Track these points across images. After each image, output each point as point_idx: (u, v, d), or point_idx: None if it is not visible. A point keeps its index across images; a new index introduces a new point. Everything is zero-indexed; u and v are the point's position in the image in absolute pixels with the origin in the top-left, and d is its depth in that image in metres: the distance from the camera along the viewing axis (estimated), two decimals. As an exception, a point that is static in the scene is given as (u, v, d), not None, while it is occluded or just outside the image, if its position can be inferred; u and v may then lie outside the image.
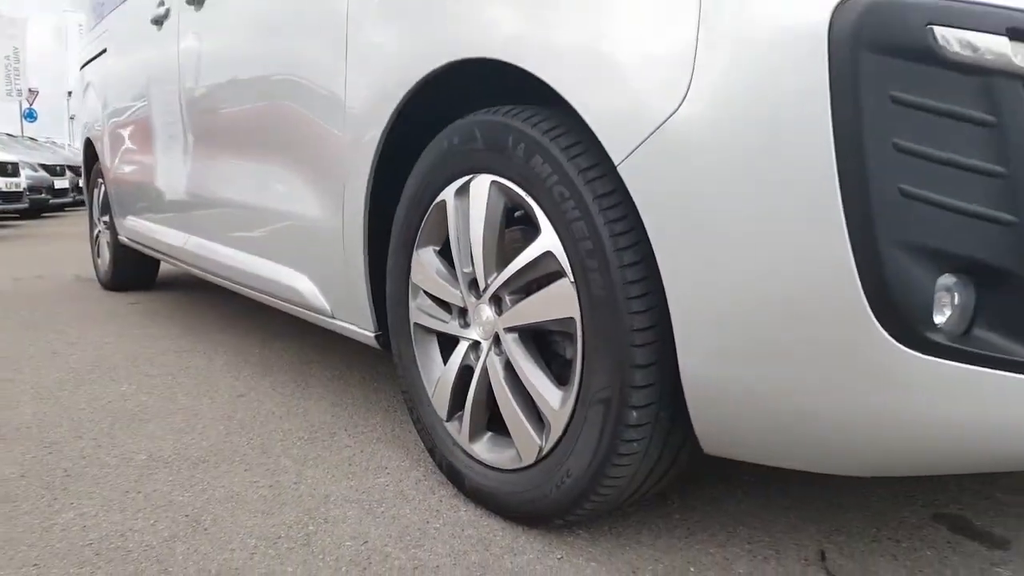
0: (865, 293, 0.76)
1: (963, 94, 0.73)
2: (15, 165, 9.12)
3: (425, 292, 1.35)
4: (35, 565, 1.10)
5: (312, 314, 1.75)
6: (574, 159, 1.01)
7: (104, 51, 3.34)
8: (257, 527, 1.21)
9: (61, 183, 11.36)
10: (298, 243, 1.72)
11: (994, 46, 0.72)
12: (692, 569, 1.08)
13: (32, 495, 1.34)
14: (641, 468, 1.03)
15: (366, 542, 1.16)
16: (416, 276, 1.36)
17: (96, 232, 3.94)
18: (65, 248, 6.04)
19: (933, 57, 0.73)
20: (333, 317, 1.67)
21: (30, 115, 24.53)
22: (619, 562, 1.09)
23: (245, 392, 1.97)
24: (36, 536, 1.19)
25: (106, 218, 3.70)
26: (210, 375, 2.13)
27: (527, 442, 1.15)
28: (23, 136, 17.85)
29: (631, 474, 1.03)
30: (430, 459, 1.44)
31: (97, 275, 3.99)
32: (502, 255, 1.18)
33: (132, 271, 3.66)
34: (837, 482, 1.34)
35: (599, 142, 0.97)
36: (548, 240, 1.06)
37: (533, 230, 1.11)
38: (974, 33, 0.72)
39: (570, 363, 1.08)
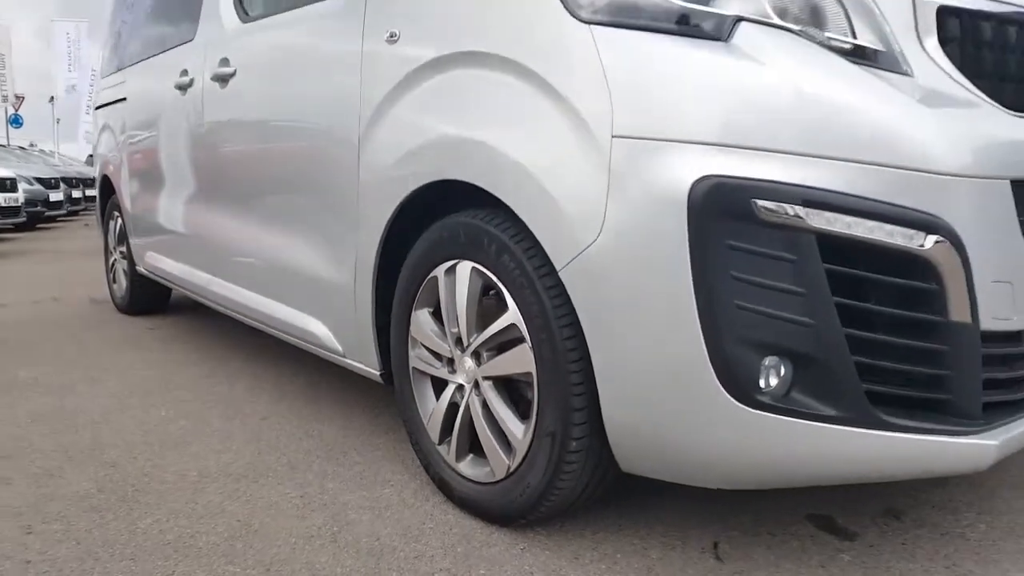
0: (714, 370, 1.15)
1: (776, 243, 1.13)
2: (13, 180, 9.39)
3: (422, 344, 1.74)
4: (131, 559, 1.48)
5: (326, 353, 2.13)
6: (531, 259, 1.40)
7: (123, 99, 3.70)
8: (295, 528, 1.59)
9: (56, 196, 11.62)
10: (316, 296, 2.10)
11: (792, 212, 1.12)
12: (619, 556, 1.47)
13: (113, 506, 1.71)
14: (579, 481, 1.42)
15: (379, 539, 1.54)
16: (414, 331, 1.74)
17: (112, 260, 4.29)
18: (71, 267, 6.35)
19: (755, 219, 1.12)
20: (344, 357, 2.05)
21: (15, 121, 24.66)
22: (566, 551, 1.49)
23: (267, 416, 2.34)
24: (126, 538, 1.56)
25: (123, 248, 4.04)
26: (234, 400, 2.50)
27: (499, 462, 1.54)
28: (10, 144, 18.05)
29: (572, 485, 1.42)
30: (425, 474, 1.82)
31: (113, 299, 4.33)
32: (480, 319, 1.57)
33: (148, 297, 4.02)
34: (731, 492, 1.73)
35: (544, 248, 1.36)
36: (512, 315, 1.45)
37: (502, 302, 1.49)
38: (780, 203, 1.12)
39: (530, 403, 1.47)
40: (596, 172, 1.24)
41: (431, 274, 1.67)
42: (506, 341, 1.51)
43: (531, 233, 1.40)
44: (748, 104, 1.15)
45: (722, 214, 1.13)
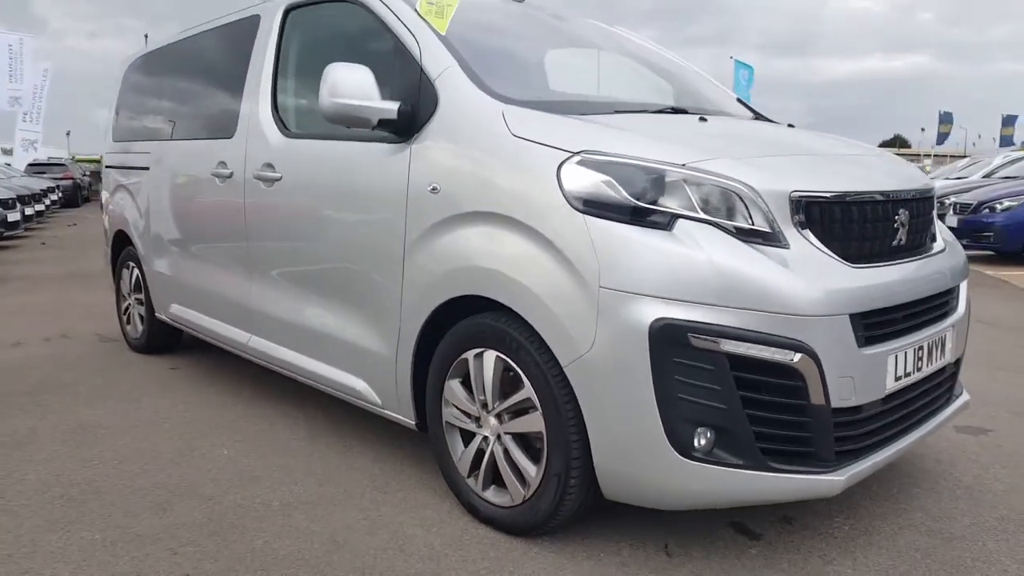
0: (666, 435, 1.84)
1: (702, 359, 1.82)
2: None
3: (453, 405, 2.38)
4: (263, 570, 2.08)
5: (365, 404, 2.76)
6: (541, 355, 2.06)
7: (147, 168, 4.21)
8: (370, 543, 2.22)
9: (13, 216, 11.73)
10: (360, 361, 2.71)
11: (712, 341, 1.81)
12: (602, 554, 2.15)
13: (227, 531, 2.31)
14: (576, 505, 2.09)
15: (433, 548, 2.18)
16: (447, 395, 2.39)
17: (126, 305, 4.77)
18: (62, 298, 6.70)
19: (690, 345, 1.81)
20: (382, 408, 2.68)
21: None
22: (565, 552, 2.15)
23: (311, 453, 2.95)
24: (251, 555, 2.16)
25: (139, 296, 4.55)
26: (278, 439, 3.09)
27: (516, 492, 2.20)
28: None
29: (571, 508, 2.10)
30: (454, 499, 2.46)
31: (126, 338, 4.81)
32: (501, 390, 2.22)
33: (163, 339, 4.54)
34: (708, 513, 2.43)
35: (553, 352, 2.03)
36: (527, 391, 2.12)
37: (518, 380, 2.15)
38: (704, 336, 1.81)
39: (539, 449, 2.13)
40: (589, 308, 1.92)
41: (462, 356, 2.32)
42: (521, 408, 2.17)
43: (542, 338, 2.06)
44: (684, 273, 1.84)
45: (670, 342, 1.82)
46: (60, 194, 20.26)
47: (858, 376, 1.96)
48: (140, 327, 4.61)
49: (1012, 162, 12.92)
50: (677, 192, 1.92)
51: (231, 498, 2.54)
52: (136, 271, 4.56)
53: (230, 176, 3.34)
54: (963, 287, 2.54)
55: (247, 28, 3.42)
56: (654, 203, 1.92)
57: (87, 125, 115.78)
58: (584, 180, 1.98)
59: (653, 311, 1.84)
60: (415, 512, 2.42)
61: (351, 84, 2.39)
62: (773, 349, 1.83)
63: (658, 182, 1.93)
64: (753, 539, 2.25)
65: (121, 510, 2.45)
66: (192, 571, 2.07)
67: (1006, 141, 52.25)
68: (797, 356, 1.84)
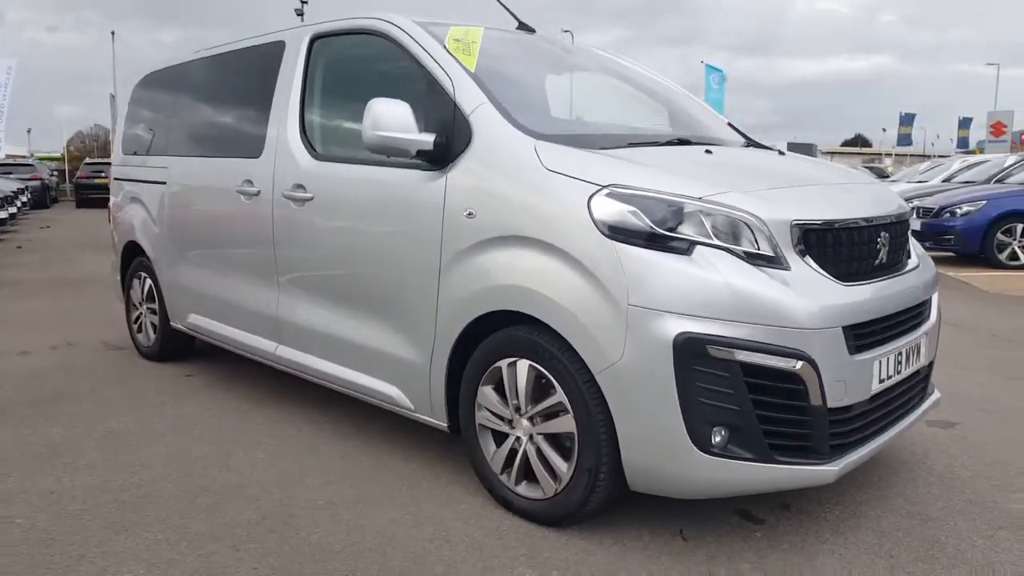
0: (688, 434, 2.11)
1: (719, 367, 2.09)
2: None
3: (486, 408, 2.63)
4: (321, 561, 2.31)
5: (397, 409, 2.99)
6: (572, 364, 2.32)
7: (163, 182, 4.37)
8: (418, 536, 2.45)
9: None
10: (393, 369, 2.94)
11: (727, 351, 2.09)
12: (626, 540, 2.41)
13: (282, 528, 2.52)
14: (604, 496, 2.36)
15: (475, 538, 2.43)
16: (480, 400, 2.64)
17: (137, 314, 4.92)
18: (58, 305, 6.78)
19: (708, 355, 2.09)
20: (415, 412, 2.92)
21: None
22: (594, 539, 2.42)
23: (344, 455, 3.17)
24: (309, 549, 2.39)
25: (152, 305, 4.71)
26: (307, 441, 3.31)
27: (548, 486, 2.45)
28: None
29: (600, 499, 2.36)
30: (486, 494, 2.71)
31: (137, 346, 4.96)
32: (533, 395, 2.48)
33: (176, 346, 4.71)
34: (721, 504, 2.71)
35: (584, 361, 2.28)
36: (560, 396, 2.37)
37: (548, 384, 2.41)
38: (721, 347, 2.09)
39: (569, 448, 2.39)
40: (619, 322, 2.18)
41: (495, 364, 2.57)
42: (552, 411, 2.43)
43: (574, 349, 2.32)
44: (703, 292, 2.11)
45: (692, 352, 2.10)
46: (29, 195, 20.00)
47: (849, 380, 2.25)
48: (152, 336, 4.77)
49: (969, 167, 13.50)
50: (694, 221, 2.20)
51: (276, 498, 2.76)
52: (149, 281, 4.72)
53: (257, 194, 3.54)
54: (934, 298, 2.85)
55: (271, 53, 3.62)
56: (674, 231, 2.19)
57: (50, 121, 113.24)
58: (612, 210, 2.24)
59: (677, 326, 2.11)
60: (452, 507, 2.66)
61: (392, 118, 2.62)
62: (779, 358, 2.11)
63: (678, 213, 2.20)
64: (757, 524, 2.54)
65: (176, 512, 2.65)
66: (258, 566, 2.29)
67: (962, 143, 53.69)
68: (799, 364, 2.13)
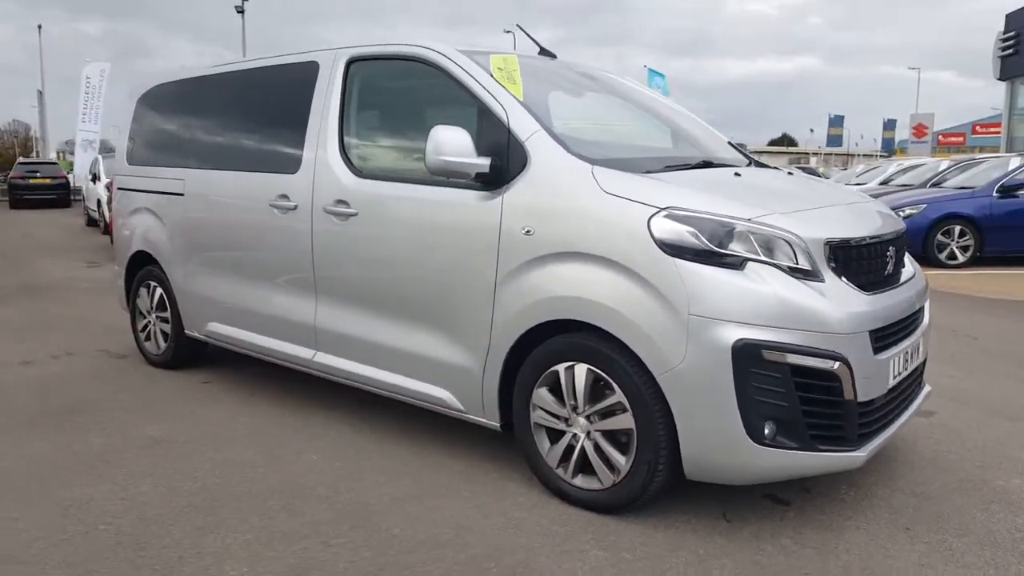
0: (744, 428, 2.41)
1: (771, 369, 2.39)
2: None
3: (542, 409, 2.88)
4: (411, 552, 2.52)
5: (447, 410, 3.21)
6: (632, 367, 2.60)
7: (180, 194, 4.46)
8: (489, 526, 2.69)
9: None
10: (444, 373, 3.16)
11: (778, 354, 2.39)
12: (677, 524, 2.70)
13: (363, 523, 2.72)
14: (660, 485, 2.64)
15: (543, 526, 2.68)
16: (536, 401, 2.89)
17: (146, 323, 4.97)
18: (38, 312, 6.70)
19: (761, 358, 2.39)
20: (465, 413, 3.15)
21: None
22: (648, 523, 2.69)
23: (390, 455, 3.37)
24: (398, 542, 2.59)
25: (163, 314, 4.78)
26: (349, 442, 3.49)
27: (606, 477, 2.72)
28: None
29: (656, 488, 2.64)
30: (539, 486, 2.96)
31: (145, 354, 5.01)
32: (591, 396, 2.74)
33: (188, 354, 4.80)
34: (717, 486, 3.01)
35: (644, 362, 2.56)
36: (619, 396, 2.64)
37: (606, 386, 2.67)
38: (772, 351, 2.39)
39: (625, 443, 2.66)
40: (680, 330, 2.46)
41: (552, 368, 2.82)
42: (610, 410, 2.70)
43: (632, 353, 2.59)
44: (756, 302, 2.41)
45: (748, 356, 2.39)
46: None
47: (873, 377, 2.59)
48: (163, 344, 4.84)
49: (905, 170, 14.35)
50: (744, 240, 2.50)
51: (345, 496, 2.95)
52: (159, 290, 4.79)
53: (294, 208, 3.70)
54: (927, 304, 3.23)
55: (304, 72, 3.77)
56: (726, 248, 2.48)
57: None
58: (671, 229, 2.52)
59: (735, 333, 2.40)
60: (511, 500, 2.91)
61: (454, 143, 2.85)
62: (820, 359, 2.43)
63: (730, 232, 2.50)
64: (786, 505, 2.86)
65: (254, 513, 2.82)
66: (354, 558, 2.49)
67: (887, 144, 56.07)
68: (836, 364, 2.45)
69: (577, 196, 2.73)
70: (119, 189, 5.13)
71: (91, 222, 17.33)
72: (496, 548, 2.55)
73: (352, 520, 2.75)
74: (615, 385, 2.65)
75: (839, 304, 2.50)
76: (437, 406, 3.25)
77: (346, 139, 3.58)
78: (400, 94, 3.61)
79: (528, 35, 3.94)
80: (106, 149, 20.23)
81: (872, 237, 2.80)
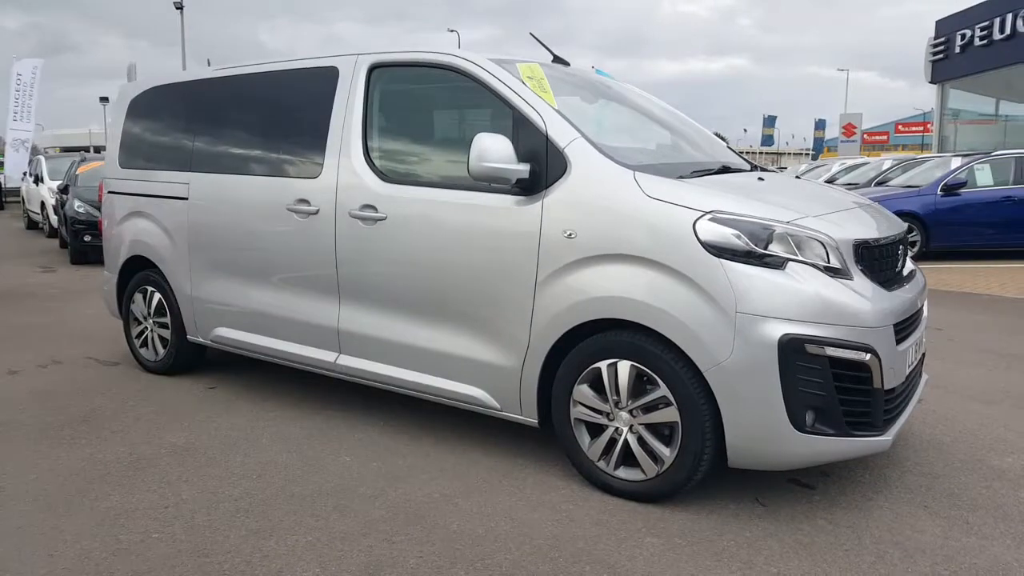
0: (788, 417, 2.59)
1: (812, 361, 2.58)
2: None
3: (582, 404, 3.01)
4: (477, 545, 2.62)
5: (481, 408, 3.30)
6: (676, 363, 2.74)
7: (184, 198, 4.42)
8: (541, 518, 2.80)
9: None
10: (479, 373, 3.25)
11: (819, 347, 2.58)
12: (717, 510, 2.86)
13: (420, 520, 2.79)
14: (703, 473, 2.80)
15: (592, 516, 2.80)
16: (576, 397, 3.01)
17: (142, 328, 4.90)
18: (3, 320, 6.48)
19: (804, 351, 2.57)
20: (501, 411, 3.25)
21: None
22: (690, 510, 2.85)
23: (425, 454, 3.44)
24: (458, 537, 2.68)
25: (162, 319, 4.72)
26: (380, 441, 3.55)
27: (650, 468, 2.87)
28: None
29: (700, 477, 2.80)
30: (580, 479, 3.08)
31: (141, 361, 4.93)
32: (633, 391, 2.88)
33: (189, 359, 4.77)
34: (744, 475, 3.19)
35: (689, 358, 2.71)
36: (663, 391, 2.79)
37: (649, 381, 2.82)
38: (814, 344, 2.58)
39: (668, 435, 2.81)
40: (727, 327, 2.62)
41: (594, 365, 2.95)
42: (653, 404, 2.84)
43: (678, 349, 2.74)
44: (798, 300, 2.59)
45: (792, 350, 2.57)
46: None
47: (895, 367, 2.81)
48: (161, 350, 4.79)
49: (849, 169, 15.00)
50: (783, 241, 2.67)
51: (392, 495, 3.02)
52: (158, 295, 4.73)
53: (316, 212, 3.73)
54: (926, 300, 3.49)
55: (322, 77, 3.80)
56: (768, 250, 2.66)
57: None
58: (716, 232, 2.68)
59: (780, 328, 2.57)
60: (554, 493, 3.02)
61: (497, 150, 2.95)
62: (855, 351, 2.63)
63: (771, 235, 2.67)
64: (811, 489, 3.06)
65: (307, 514, 2.86)
66: (422, 554, 2.57)
67: (818, 143, 58.07)
68: (868, 356, 2.65)
69: (621, 201, 2.86)
70: (110, 193, 5.02)
71: (32, 225, 16.69)
72: (555, 538, 2.66)
73: (406, 517, 2.83)
74: (659, 380, 2.80)
75: (868, 300, 2.70)
76: (470, 404, 3.34)
77: (370, 144, 3.63)
78: (427, 101, 3.68)
79: (540, 42, 4.05)
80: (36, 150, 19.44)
81: (887, 238, 3.02)
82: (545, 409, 3.15)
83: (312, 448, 3.53)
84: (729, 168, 3.45)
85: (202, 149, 4.41)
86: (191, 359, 4.78)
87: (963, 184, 10.33)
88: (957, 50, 19.81)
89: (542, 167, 3.04)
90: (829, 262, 2.71)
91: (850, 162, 16.33)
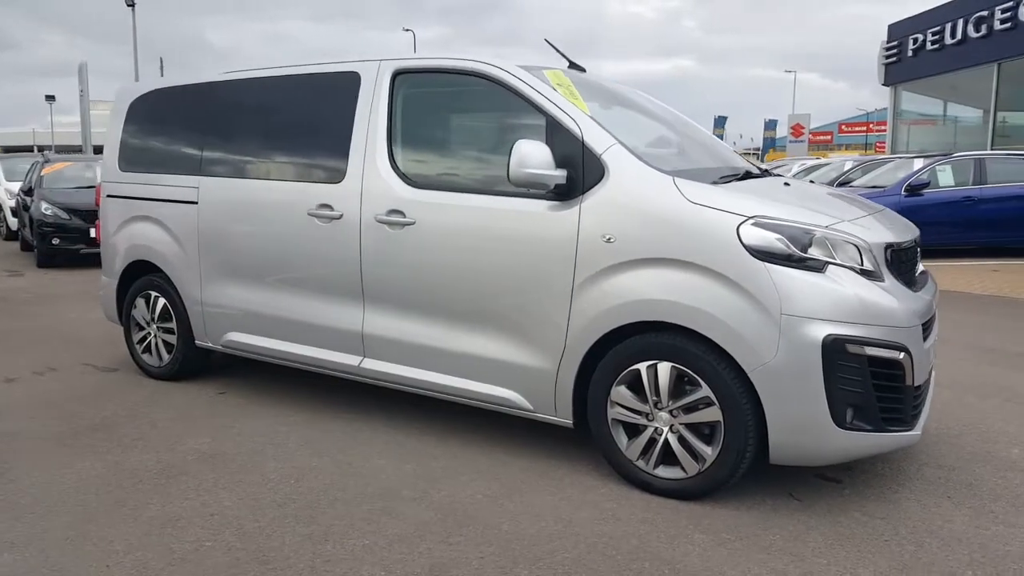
0: (830, 414, 2.71)
1: (853, 360, 2.70)
2: None
3: (620, 405, 3.08)
4: (532, 544, 2.67)
5: (513, 410, 3.36)
6: (718, 364, 2.84)
7: (193, 202, 4.37)
8: (588, 517, 2.86)
9: None
10: (512, 375, 3.30)
11: (860, 347, 2.70)
12: (756, 505, 2.97)
13: (469, 520, 2.83)
14: (744, 470, 2.90)
15: (638, 515, 2.88)
16: (614, 398, 3.08)
17: (144, 334, 4.82)
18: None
19: (846, 351, 2.69)
20: (534, 412, 3.31)
21: None
22: (729, 506, 2.95)
23: (455, 455, 3.47)
24: (511, 537, 2.73)
25: (167, 324, 4.66)
26: (412, 446, 3.57)
27: (691, 466, 2.96)
28: None
29: (741, 473, 2.90)
30: (615, 481, 3.16)
31: (143, 367, 4.84)
32: (674, 391, 2.97)
33: (196, 364, 4.71)
34: (798, 469, 3.30)
35: (732, 357, 2.81)
36: (705, 391, 2.88)
37: (690, 382, 2.91)
38: (855, 344, 2.70)
39: (708, 434, 2.91)
40: (772, 328, 2.73)
41: (633, 367, 3.03)
42: (694, 405, 2.93)
43: (720, 350, 2.83)
44: (839, 301, 2.71)
45: (835, 350, 2.69)
46: None
47: (923, 363, 2.95)
48: (166, 355, 4.72)
49: (809, 170, 15.40)
50: (822, 245, 2.79)
51: (436, 497, 3.05)
52: (162, 300, 4.66)
53: (339, 217, 3.73)
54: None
55: (344, 83, 3.80)
56: (809, 253, 2.77)
57: None
58: (760, 236, 2.78)
59: (824, 329, 2.69)
60: (594, 492, 3.09)
61: (536, 156, 3.01)
62: (890, 350, 2.76)
63: (811, 239, 2.78)
64: (837, 483, 3.19)
65: (356, 518, 2.88)
66: (482, 555, 2.61)
67: (768, 144, 59.42)
68: (902, 354, 2.78)
69: (663, 206, 2.95)
70: (109, 197, 4.92)
71: (-15, 227, 16.09)
72: (607, 536, 2.73)
73: (456, 519, 2.86)
74: (701, 381, 2.89)
75: (900, 301, 2.84)
76: (501, 406, 3.39)
77: (395, 150, 3.64)
78: (453, 107, 3.71)
79: (556, 48, 4.11)
80: None
81: (908, 241, 3.17)
82: (579, 410, 3.22)
83: (342, 452, 3.54)
84: (751, 174, 3.56)
85: (212, 153, 4.36)
86: (197, 364, 4.73)
87: (926, 184, 10.73)
88: (910, 53, 20.51)
89: (578, 172, 3.10)
90: (863, 265, 2.84)
91: (810, 163, 16.77)
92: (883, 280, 2.86)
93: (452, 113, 3.76)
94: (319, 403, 4.25)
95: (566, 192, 3.12)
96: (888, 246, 2.96)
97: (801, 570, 2.52)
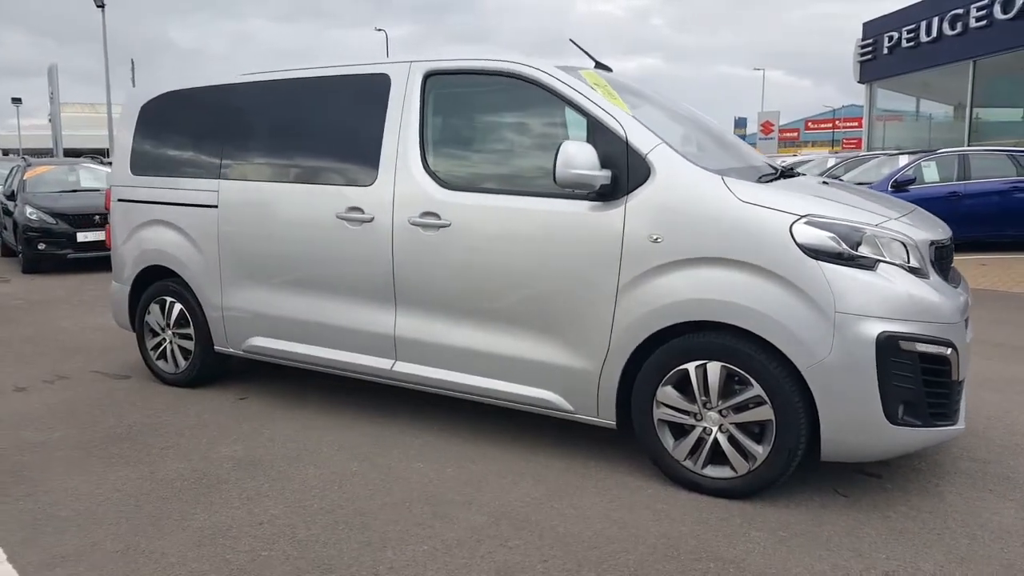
0: (883, 411, 2.74)
1: (906, 357, 2.74)
2: None
3: (666, 405, 3.09)
4: (594, 548, 2.67)
5: (552, 411, 3.35)
6: (770, 363, 2.86)
7: (213, 206, 4.30)
8: (640, 519, 2.87)
9: None
10: (552, 376, 3.30)
11: (912, 344, 2.74)
12: (803, 502, 3.00)
13: (526, 524, 2.83)
14: (793, 467, 2.93)
15: (692, 515, 2.90)
16: (660, 398, 3.09)
17: (159, 340, 4.73)
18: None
19: (900, 348, 2.72)
20: (575, 413, 3.31)
21: None
22: (779, 501, 2.97)
23: (494, 457, 3.46)
24: (569, 539, 2.73)
25: (183, 330, 4.58)
26: (447, 449, 3.55)
27: (740, 465, 2.98)
28: None
29: (791, 471, 2.93)
30: (660, 481, 3.17)
31: (158, 374, 4.75)
32: (723, 392, 2.98)
33: (214, 370, 4.65)
34: (838, 465, 3.33)
35: (784, 355, 2.83)
36: (757, 390, 2.90)
37: (740, 381, 2.93)
38: (908, 341, 2.73)
39: (758, 433, 2.93)
40: (826, 326, 2.75)
41: (681, 366, 3.04)
42: (744, 404, 2.95)
43: (772, 349, 2.85)
44: (891, 299, 2.74)
45: (889, 347, 2.72)
46: None
47: (965, 359, 3.00)
48: (183, 362, 4.64)
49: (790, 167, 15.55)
50: (871, 243, 2.82)
51: (484, 500, 3.04)
52: (179, 305, 4.58)
53: (371, 220, 3.69)
54: (961, 292, 3.72)
55: (373, 84, 3.76)
56: (860, 251, 2.80)
57: None
58: (813, 235, 2.81)
59: (878, 327, 2.72)
60: (641, 494, 3.10)
61: (582, 157, 3.00)
62: (939, 346, 2.80)
63: (862, 237, 2.82)
64: (879, 478, 3.23)
65: (410, 523, 2.85)
66: (545, 557, 2.61)
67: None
68: (949, 350, 2.83)
69: (713, 205, 2.96)
70: (120, 201, 4.82)
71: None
72: (667, 536, 2.74)
73: (511, 522, 2.85)
74: (752, 380, 2.91)
75: (946, 297, 2.88)
76: (539, 408, 3.38)
77: (428, 152, 3.62)
78: (486, 108, 3.70)
79: (581, 48, 4.11)
80: None
81: (946, 239, 3.22)
82: (622, 411, 3.23)
83: (379, 456, 3.51)
84: (787, 173, 3.59)
85: (233, 155, 4.29)
86: (214, 370, 4.66)
87: (912, 180, 10.91)
88: (885, 51, 20.83)
89: (622, 173, 3.11)
90: (910, 262, 2.87)
91: (791, 160, 16.98)
92: (929, 277, 2.91)
93: (486, 114, 3.74)
94: (342, 406, 4.21)
95: (609, 192, 3.12)
96: (932, 243, 3.01)
97: (863, 564, 2.55)
